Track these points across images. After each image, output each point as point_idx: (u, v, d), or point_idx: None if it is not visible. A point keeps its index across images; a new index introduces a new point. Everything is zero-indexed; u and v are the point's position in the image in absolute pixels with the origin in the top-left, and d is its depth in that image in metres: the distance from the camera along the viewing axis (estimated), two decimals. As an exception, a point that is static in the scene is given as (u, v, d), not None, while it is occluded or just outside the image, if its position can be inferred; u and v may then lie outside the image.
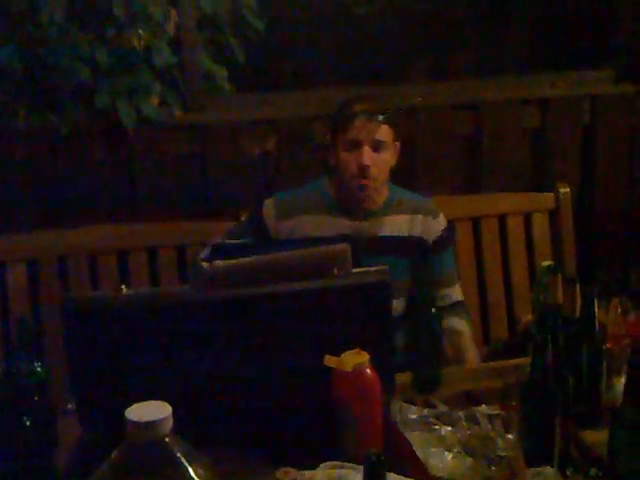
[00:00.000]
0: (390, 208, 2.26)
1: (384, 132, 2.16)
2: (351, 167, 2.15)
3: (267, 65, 3.40)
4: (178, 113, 2.77)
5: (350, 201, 2.22)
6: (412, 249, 2.25)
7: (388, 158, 2.18)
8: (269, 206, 2.25)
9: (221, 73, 2.88)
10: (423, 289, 2.26)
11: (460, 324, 2.22)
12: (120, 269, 2.51)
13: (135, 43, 2.62)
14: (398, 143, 2.22)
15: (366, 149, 2.13)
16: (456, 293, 2.30)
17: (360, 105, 2.17)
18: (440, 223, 2.32)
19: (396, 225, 2.25)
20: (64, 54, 2.56)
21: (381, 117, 2.15)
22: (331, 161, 2.24)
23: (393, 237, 2.24)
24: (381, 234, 2.23)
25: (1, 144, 2.66)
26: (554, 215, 2.72)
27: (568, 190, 2.72)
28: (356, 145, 2.14)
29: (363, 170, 2.14)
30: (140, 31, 2.62)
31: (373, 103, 2.20)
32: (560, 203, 2.71)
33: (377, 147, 2.15)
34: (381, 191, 2.23)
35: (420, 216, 2.28)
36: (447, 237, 2.33)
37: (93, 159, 2.75)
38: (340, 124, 2.18)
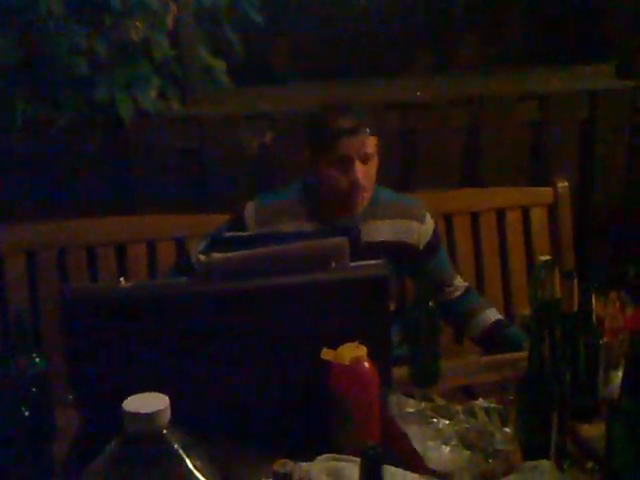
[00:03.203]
0: (373, 214, 2.20)
1: (371, 144, 2.11)
2: (341, 183, 2.10)
3: (265, 59, 3.40)
4: (176, 106, 2.77)
5: (334, 210, 2.16)
6: (399, 254, 2.21)
7: (375, 166, 2.14)
8: (250, 210, 2.19)
9: (219, 66, 2.88)
10: (421, 284, 2.28)
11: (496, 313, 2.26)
12: (118, 261, 2.51)
13: (133, 36, 2.61)
14: (379, 147, 2.16)
15: (357, 165, 2.08)
16: (460, 281, 2.31)
17: (345, 120, 2.09)
18: (428, 226, 2.27)
19: (380, 231, 2.20)
20: (62, 46, 2.55)
21: (367, 130, 2.09)
22: (311, 176, 2.18)
23: (378, 243, 2.18)
24: (366, 240, 2.12)
25: (-1, 136, 2.66)
26: (552, 210, 2.72)
27: (566, 185, 2.72)
28: (346, 162, 2.08)
29: (355, 185, 2.09)
30: (138, 24, 2.62)
31: (355, 115, 2.11)
32: (558, 198, 2.71)
33: (366, 159, 2.10)
34: (366, 197, 2.18)
35: (406, 221, 2.24)
36: (437, 238, 2.31)
37: (91, 151, 2.75)
38: (325, 141, 2.10)
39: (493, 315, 2.25)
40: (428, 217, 2.29)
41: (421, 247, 2.25)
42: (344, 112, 2.12)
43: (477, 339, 2.26)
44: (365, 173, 2.10)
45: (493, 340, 2.20)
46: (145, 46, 2.65)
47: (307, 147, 2.18)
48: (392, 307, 2.15)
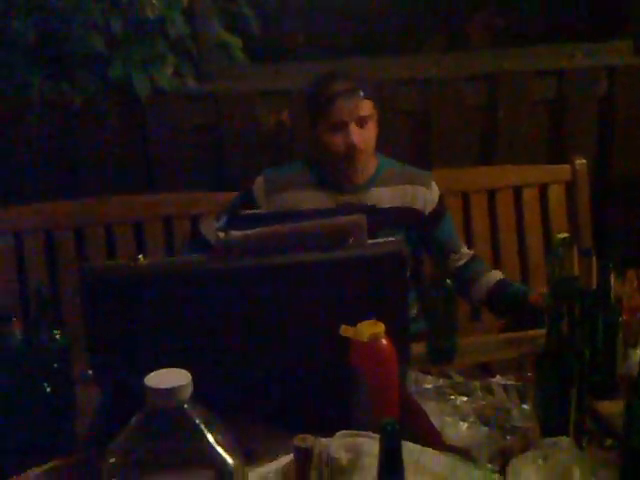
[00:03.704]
0: (378, 180, 2.24)
1: (366, 107, 2.13)
2: (338, 147, 2.14)
3: (281, 35, 3.38)
4: (192, 83, 2.77)
5: (338, 177, 2.21)
6: (406, 219, 2.24)
7: (373, 130, 2.17)
8: (259, 182, 2.24)
9: (235, 43, 2.87)
10: (436, 253, 2.29)
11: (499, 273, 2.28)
12: (136, 239, 2.52)
13: (149, 13, 2.61)
14: (377, 111, 2.20)
15: (352, 128, 2.11)
16: (465, 250, 2.32)
17: (338, 84, 2.13)
18: (434, 192, 2.30)
19: (386, 196, 2.23)
20: (78, 24, 2.55)
21: (362, 93, 2.12)
22: (311, 141, 2.22)
23: (384, 209, 2.21)
24: (373, 205, 2.19)
25: (15, 115, 2.67)
26: (570, 187, 2.71)
27: (584, 162, 2.70)
28: (341, 125, 2.12)
29: (352, 148, 2.13)
30: (154, 1, 2.61)
31: (350, 79, 2.15)
32: (576, 175, 2.69)
33: (362, 123, 2.13)
34: (369, 164, 2.22)
35: (411, 186, 2.26)
36: (443, 206, 2.33)
37: (107, 129, 2.75)
38: (321, 106, 2.14)
39: (497, 276, 2.27)
40: (434, 184, 2.31)
41: (426, 213, 2.27)
42: (338, 76, 2.16)
43: (482, 301, 2.27)
44: (362, 136, 2.13)
45: (498, 298, 2.22)
46: (160, 23, 2.65)
47: (307, 114, 2.22)
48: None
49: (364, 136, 2.14)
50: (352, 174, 2.19)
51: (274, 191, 2.22)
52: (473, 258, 2.31)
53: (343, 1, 3.37)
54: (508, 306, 2.18)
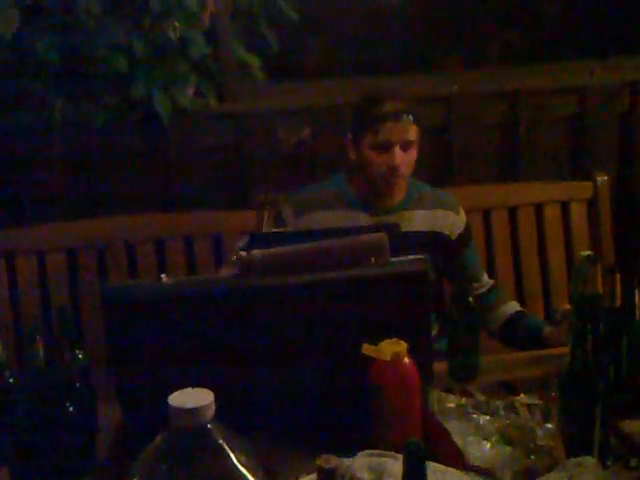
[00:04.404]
0: (410, 203, 2.25)
1: (413, 131, 2.14)
2: (381, 167, 2.14)
3: (300, 54, 3.40)
4: (213, 103, 2.78)
5: (373, 197, 2.22)
6: (434, 244, 2.24)
7: (414, 155, 2.17)
8: (285, 205, 2.24)
9: (254, 62, 2.89)
10: (459, 279, 2.29)
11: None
12: (157, 258, 2.53)
13: (171, 34, 2.63)
14: (420, 136, 2.20)
15: (397, 150, 2.12)
16: (486, 279, 2.33)
17: (388, 105, 2.13)
18: (462, 218, 2.31)
19: (417, 220, 2.24)
20: (101, 45, 2.58)
21: (411, 117, 2.13)
22: (352, 157, 2.21)
23: (414, 232, 2.21)
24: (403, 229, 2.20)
25: (37, 134, 2.69)
26: (592, 204, 2.69)
27: (606, 178, 2.69)
28: (386, 146, 2.12)
29: (393, 171, 2.13)
30: (175, 22, 2.64)
31: (400, 101, 2.16)
32: (598, 192, 2.68)
33: (406, 147, 2.14)
34: (403, 186, 2.23)
35: (442, 211, 2.27)
36: (469, 232, 2.34)
37: (129, 149, 2.77)
38: (369, 125, 2.14)
39: (514, 307, 2.27)
40: (462, 210, 2.33)
41: (454, 237, 2.28)
42: (390, 97, 2.16)
43: (497, 332, 2.26)
44: (404, 160, 2.14)
45: (513, 329, 2.22)
46: (182, 44, 2.67)
47: (350, 130, 2.21)
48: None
49: (406, 160, 2.15)
50: (388, 195, 2.20)
51: (304, 211, 2.21)
52: (492, 288, 2.32)
53: (362, 20, 3.39)
54: (522, 338, 2.17)
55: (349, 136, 2.22)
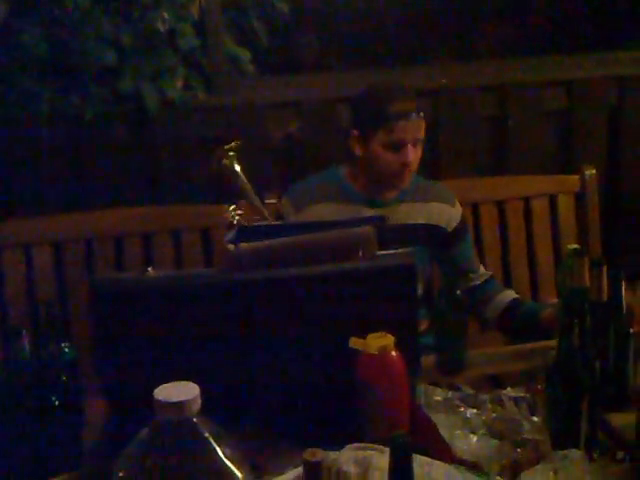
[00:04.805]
0: (407, 196, 2.24)
1: (423, 128, 2.14)
2: (393, 164, 2.13)
3: (290, 47, 3.39)
4: (202, 96, 2.77)
5: (374, 191, 2.21)
6: (429, 236, 2.24)
7: (421, 149, 2.17)
8: (285, 202, 2.24)
9: (245, 55, 2.88)
10: (447, 272, 2.29)
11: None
12: (144, 252, 2.52)
13: (160, 26, 2.62)
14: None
15: (409, 148, 2.11)
16: (483, 270, 2.33)
17: (401, 103, 2.10)
18: (458, 210, 2.31)
19: (412, 213, 2.24)
20: (88, 37, 2.56)
21: (422, 114, 2.12)
22: (359, 153, 2.19)
23: (409, 225, 2.22)
24: (398, 222, 2.20)
25: (26, 128, 2.68)
26: (580, 197, 2.69)
27: (594, 172, 2.69)
28: (399, 145, 2.11)
29: (405, 167, 2.13)
30: (164, 14, 2.62)
31: (410, 98, 2.14)
32: (586, 185, 2.68)
33: (416, 143, 2.13)
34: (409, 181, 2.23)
35: (438, 204, 2.27)
36: (465, 224, 2.34)
37: (117, 142, 2.76)
38: (381, 123, 2.11)
39: (510, 295, 2.27)
40: (457, 202, 2.32)
41: (450, 230, 2.28)
42: (401, 94, 2.14)
43: (495, 320, 2.26)
44: (415, 156, 2.14)
45: (510, 317, 2.21)
46: (171, 36, 2.66)
47: (357, 127, 2.18)
48: (420, 291, 2.16)
49: (416, 155, 2.14)
50: (395, 190, 2.20)
51: (304, 205, 2.20)
52: (489, 278, 2.31)
53: (352, 14, 3.38)
54: (520, 325, 2.18)
55: (355, 132, 2.18)
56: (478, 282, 2.28)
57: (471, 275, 2.27)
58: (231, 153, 2.01)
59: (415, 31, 3.45)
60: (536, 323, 2.08)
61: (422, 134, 2.14)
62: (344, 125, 2.24)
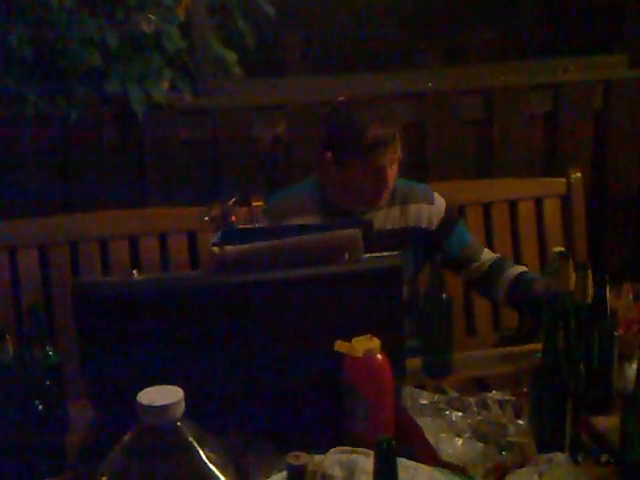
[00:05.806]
0: (384, 202, 2.17)
1: (399, 147, 2.08)
2: (370, 188, 2.08)
3: (277, 50, 3.39)
4: (188, 98, 2.77)
5: (350, 205, 2.15)
6: (410, 239, 2.21)
7: (397, 165, 2.12)
8: (262, 217, 2.18)
9: (231, 58, 2.88)
10: (434, 274, 2.27)
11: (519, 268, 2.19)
12: (131, 254, 2.51)
13: (145, 28, 2.61)
14: None
15: (387, 170, 2.06)
16: (488, 253, 2.25)
17: (377, 130, 2.02)
18: (438, 205, 2.25)
19: (389, 218, 2.20)
20: (74, 39, 2.55)
21: (397, 134, 2.06)
22: (333, 174, 2.11)
23: (388, 230, 2.18)
24: (377, 228, 2.08)
25: (11, 130, 2.67)
26: (566, 200, 2.70)
27: (580, 175, 2.70)
28: (378, 170, 2.06)
29: (384, 188, 2.09)
30: (150, 15, 2.62)
31: (386, 122, 2.06)
32: (572, 188, 2.69)
33: (394, 163, 2.09)
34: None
35: (415, 205, 2.23)
36: (451, 216, 2.28)
37: (103, 144, 2.75)
38: (358, 153, 2.04)
39: (514, 271, 2.16)
40: (437, 197, 2.26)
41: (434, 228, 2.24)
42: (378, 120, 2.05)
43: (505, 301, 2.18)
44: (392, 175, 2.10)
45: (516, 291, 2.12)
46: (157, 38, 2.65)
47: (331, 150, 2.10)
48: (406, 294, 2.15)
49: (393, 173, 2.10)
50: (374, 206, 2.14)
51: (279, 218, 2.13)
52: (497, 260, 2.22)
53: (339, 16, 3.39)
54: (524, 297, 2.08)
55: (329, 155, 2.09)
56: (484, 268, 2.21)
57: (473, 265, 2.21)
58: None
59: (402, 35, 3.46)
60: (535, 297, 1.98)
61: (399, 152, 2.08)
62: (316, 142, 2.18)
